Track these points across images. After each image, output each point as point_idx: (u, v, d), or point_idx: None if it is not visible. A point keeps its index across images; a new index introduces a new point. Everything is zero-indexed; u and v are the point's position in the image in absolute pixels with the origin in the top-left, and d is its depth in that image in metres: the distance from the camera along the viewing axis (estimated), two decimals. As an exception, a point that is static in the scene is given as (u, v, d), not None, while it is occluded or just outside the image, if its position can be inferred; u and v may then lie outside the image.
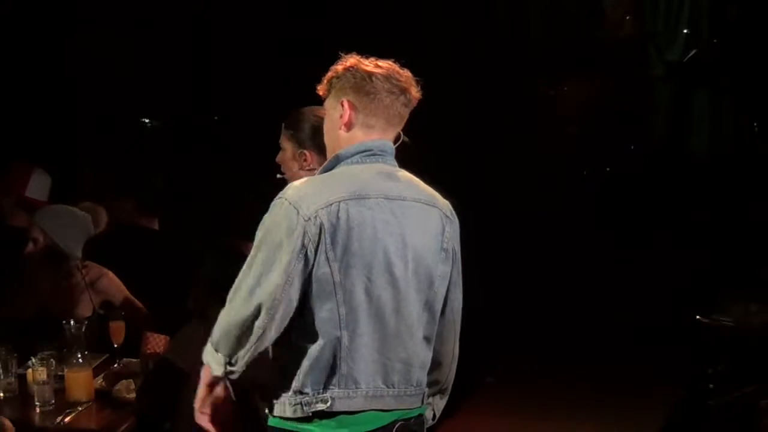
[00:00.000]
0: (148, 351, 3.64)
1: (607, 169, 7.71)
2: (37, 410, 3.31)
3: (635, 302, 6.37)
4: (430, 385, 2.56)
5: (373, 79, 2.41)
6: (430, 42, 7.13)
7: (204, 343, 3.02)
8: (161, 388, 3.21)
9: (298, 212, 2.28)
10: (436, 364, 2.56)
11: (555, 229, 6.88)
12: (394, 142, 2.51)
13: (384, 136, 2.46)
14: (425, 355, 2.49)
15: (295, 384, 2.34)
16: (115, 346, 3.73)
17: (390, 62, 2.48)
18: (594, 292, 6.43)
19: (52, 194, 4.75)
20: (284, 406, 2.37)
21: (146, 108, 7.88)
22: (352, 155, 2.42)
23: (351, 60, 2.46)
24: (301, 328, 2.33)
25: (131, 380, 3.43)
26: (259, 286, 2.29)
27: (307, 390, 2.33)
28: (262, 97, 6.70)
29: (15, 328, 3.81)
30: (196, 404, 2.47)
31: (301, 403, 2.34)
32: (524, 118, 7.45)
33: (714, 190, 6.99)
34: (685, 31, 7.58)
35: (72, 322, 3.58)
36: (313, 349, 2.32)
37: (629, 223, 7.03)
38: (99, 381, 3.49)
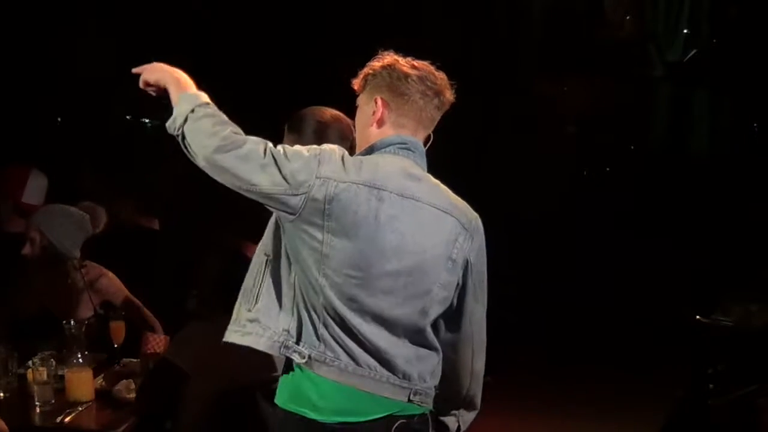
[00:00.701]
0: (148, 351, 3.64)
1: (607, 169, 7.72)
2: (37, 410, 3.31)
3: (635, 302, 6.36)
4: (450, 396, 2.58)
5: (409, 80, 2.42)
6: (429, 42, 7.13)
7: (204, 343, 3.02)
8: (161, 388, 3.20)
9: (318, 166, 2.29)
10: (453, 375, 2.56)
11: (555, 229, 6.89)
12: (425, 144, 2.51)
13: (414, 136, 2.47)
14: (409, 352, 2.45)
15: (283, 321, 2.36)
16: (115, 346, 3.73)
17: (427, 63, 2.49)
18: (594, 291, 6.43)
19: (52, 194, 4.75)
20: (261, 339, 2.36)
21: (147, 108, 7.89)
22: (387, 146, 2.43)
23: (388, 58, 2.46)
24: (288, 283, 2.36)
25: (131, 380, 3.43)
26: (279, 155, 2.29)
27: (293, 335, 2.35)
28: (262, 97, 6.71)
29: (15, 328, 3.81)
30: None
31: (282, 342, 2.35)
32: (524, 118, 7.45)
33: (714, 190, 6.99)
34: (685, 31, 7.58)
35: (72, 322, 3.58)
36: (297, 308, 2.35)
37: (629, 223, 7.03)
38: (99, 381, 3.49)
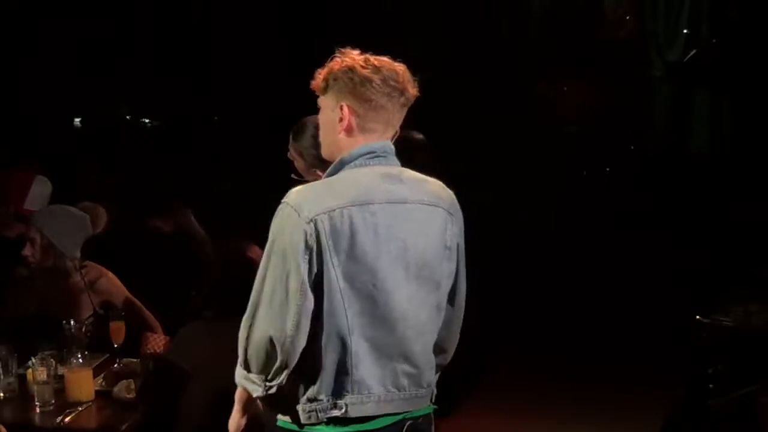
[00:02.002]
0: (148, 351, 3.64)
1: (607, 169, 7.72)
2: (37, 410, 3.31)
3: (635, 302, 6.36)
4: (436, 356, 2.59)
5: (373, 84, 2.40)
6: (429, 42, 7.13)
7: (204, 343, 3.03)
8: (161, 388, 3.21)
9: (299, 215, 2.29)
10: (441, 350, 2.58)
11: (554, 229, 6.88)
12: (392, 138, 2.51)
13: (384, 138, 2.47)
14: (433, 356, 2.51)
15: (309, 392, 2.35)
16: (115, 346, 3.73)
17: (387, 60, 2.47)
18: (593, 291, 6.43)
19: (53, 194, 4.75)
20: (297, 413, 2.37)
21: (147, 108, 7.90)
22: (356, 158, 2.42)
23: (348, 60, 2.43)
24: (311, 335, 2.32)
25: (131, 380, 3.43)
26: (277, 295, 2.30)
27: (322, 397, 2.34)
28: (262, 97, 6.70)
29: (15, 328, 3.81)
30: (232, 429, 2.50)
31: (315, 410, 2.35)
32: (524, 118, 7.45)
33: (714, 190, 6.99)
34: (685, 31, 7.58)
35: (72, 322, 3.59)
36: (324, 356, 2.33)
37: (629, 223, 7.02)
38: (99, 381, 3.49)
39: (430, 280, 2.43)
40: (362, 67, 2.41)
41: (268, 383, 2.35)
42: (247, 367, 2.38)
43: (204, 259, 4.31)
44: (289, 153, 3.27)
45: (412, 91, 2.47)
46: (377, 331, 2.35)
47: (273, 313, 2.30)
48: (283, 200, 2.36)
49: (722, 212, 6.73)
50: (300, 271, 2.27)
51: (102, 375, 3.55)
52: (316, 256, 2.28)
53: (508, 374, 5.89)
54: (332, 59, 2.46)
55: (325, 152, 2.53)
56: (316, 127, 2.97)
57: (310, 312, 2.30)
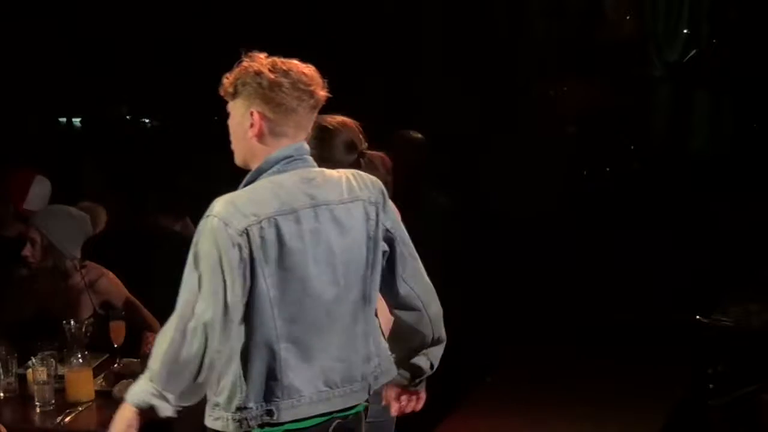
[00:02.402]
0: (148, 351, 3.63)
1: (607, 169, 7.71)
2: (37, 410, 3.31)
3: (635, 302, 6.36)
4: (418, 345, 2.65)
5: (282, 89, 2.38)
6: (429, 42, 7.14)
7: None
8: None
9: (227, 228, 2.29)
10: (414, 329, 2.63)
11: (555, 229, 6.88)
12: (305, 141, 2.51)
13: (296, 141, 2.45)
14: (366, 348, 2.51)
15: (238, 401, 2.35)
16: (115, 346, 3.73)
17: (295, 62, 2.45)
18: (594, 292, 6.43)
19: (54, 194, 4.75)
20: (227, 422, 2.37)
21: (147, 108, 7.90)
22: (273, 165, 2.42)
23: (255, 65, 2.41)
24: (241, 344, 2.34)
25: (131, 380, 3.42)
26: (207, 310, 2.29)
27: (251, 405, 2.34)
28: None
29: (15, 328, 3.81)
30: None
31: (246, 418, 2.35)
32: (524, 118, 7.45)
33: (714, 189, 6.99)
34: (685, 31, 7.58)
35: (72, 322, 3.58)
36: (253, 365, 2.34)
37: (629, 223, 7.02)
38: (99, 381, 3.49)
39: (357, 275, 2.46)
40: (270, 71, 2.39)
41: (181, 402, 2.36)
42: (160, 384, 2.36)
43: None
44: None
45: (322, 93, 2.45)
46: (306, 335, 2.37)
47: (203, 327, 2.30)
48: (207, 213, 2.34)
49: (722, 212, 6.72)
50: (235, 284, 2.27)
51: (102, 375, 3.55)
52: (249, 268, 2.29)
53: (508, 374, 5.89)
54: (239, 64, 2.44)
55: (238, 159, 2.51)
56: (322, 128, 2.98)
57: (240, 324, 2.31)
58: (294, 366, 2.36)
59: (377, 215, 2.51)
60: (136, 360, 3.67)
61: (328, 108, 2.60)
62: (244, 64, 2.43)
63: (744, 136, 7.34)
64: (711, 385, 4.74)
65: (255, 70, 2.40)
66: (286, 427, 2.38)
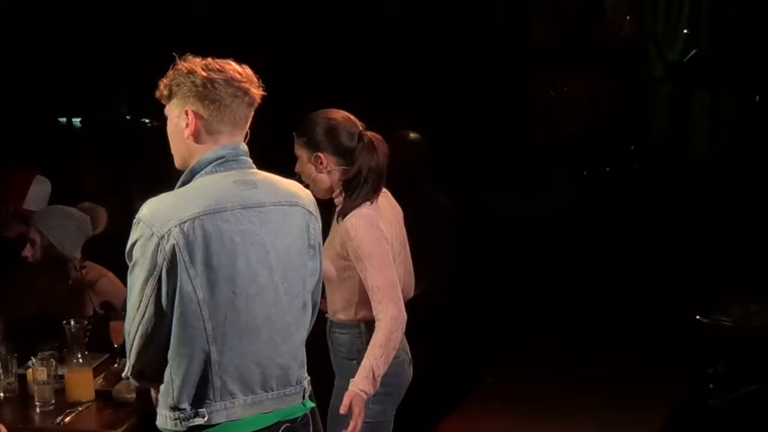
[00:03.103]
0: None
1: (607, 169, 7.71)
2: (37, 410, 3.32)
3: (635, 302, 6.36)
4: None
5: (216, 85, 2.39)
6: (429, 42, 7.13)
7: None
8: (161, 388, 3.20)
9: (151, 230, 2.30)
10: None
11: (555, 229, 6.88)
12: (244, 140, 2.50)
13: (233, 140, 2.44)
14: (298, 352, 2.52)
15: (172, 400, 2.37)
16: (115, 346, 3.73)
17: (229, 62, 2.46)
18: (594, 291, 6.43)
19: (55, 194, 4.75)
20: (166, 419, 2.41)
21: (147, 108, 7.89)
22: (206, 165, 2.41)
23: (187, 65, 2.42)
24: (173, 345, 2.34)
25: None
26: (135, 312, 2.34)
27: (184, 406, 2.36)
28: (262, 97, 6.69)
29: (15, 328, 3.81)
30: None
31: (180, 418, 2.37)
32: (524, 118, 7.44)
33: (714, 189, 6.99)
34: (685, 31, 7.58)
35: (72, 322, 3.58)
36: (185, 367, 2.34)
37: (629, 223, 7.02)
38: (99, 381, 3.49)
39: (295, 280, 2.45)
40: (203, 69, 2.40)
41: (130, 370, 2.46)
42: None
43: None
44: (296, 149, 3.28)
45: (257, 91, 2.45)
46: (241, 338, 2.36)
47: (133, 328, 2.35)
48: (136, 216, 2.36)
49: (722, 212, 6.72)
50: (147, 286, 2.30)
51: (102, 375, 3.55)
52: (171, 270, 2.28)
53: (508, 374, 5.89)
54: (173, 67, 2.45)
55: (178, 163, 2.51)
56: (329, 121, 3.02)
57: (166, 326, 2.32)
58: (228, 369, 2.35)
59: (316, 226, 2.52)
60: (136, 360, 3.66)
61: (331, 106, 2.60)
62: (178, 65, 2.43)
63: (744, 136, 7.34)
64: (711, 385, 4.74)
65: (188, 69, 2.41)
66: (223, 428, 2.37)
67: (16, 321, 3.89)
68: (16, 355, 3.50)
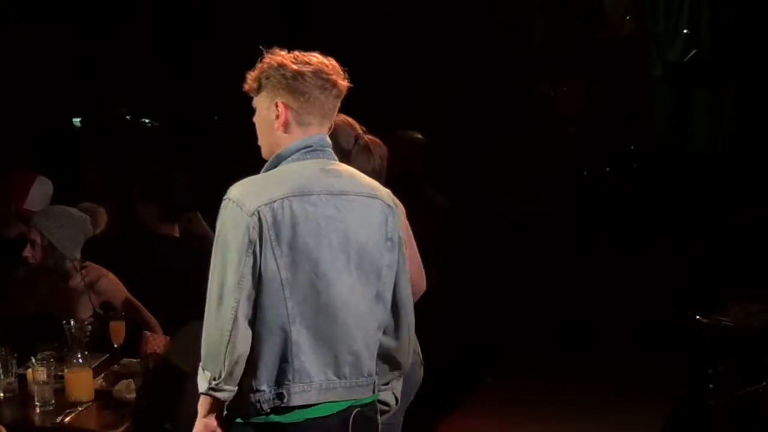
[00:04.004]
0: (148, 351, 3.64)
1: (607, 169, 7.71)
2: (37, 410, 3.31)
3: (635, 302, 6.36)
4: (390, 371, 2.62)
5: (305, 77, 2.44)
6: (429, 42, 7.13)
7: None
8: (161, 388, 3.21)
9: (241, 209, 2.34)
10: (393, 351, 2.61)
11: (555, 229, 6.89)
12: (328, 132, 2.55)
13: (321, 131, 2.50)
14: (376, 345, 2.54)
15: (252, 383, 2.38)
16: (115, 346, 3.74)
17: (316, 55, 2.50)
18: (594, 291, 6.43)
19: (55, 195, 4.75)
20: (240, 405, 2.41)
21: (147, 108, 7.90)
22: (293, 153, 2.46)
23: (277, 58, 2.47)
24: (252, 327, 2.36)
25: (131, 380, 3.43)
26: (222, 292, 2.34)
27: (263, 387, 2.38)
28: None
29: (15, 328, 3.81)
30: None
31: (258, 401, 2.38)
32: (524, 118, 7.45)
33: (714, 189, 6.99)
34: (685, 31, 7.58)
35: (72, 322, 3.58)
36: (265, 347, 2.37)
37: (629, 223, 7.02)
38: (99, 381, 3.49)
39: (370, 270, 2.48)
40: (293, 62, 2.45)
41: (214, 381, 2.37)
42: (204, 365, 2.41)
43: (205, 259, 4.30)
44: None
45: (343, 83, 2.50)
46: (319, 320, 2.39)
47: (219, 309, 2.35)
48: (225, 197, 2.40)
49: (722, 212, 6.73)
50: (241, 265, 2.32)
51: (102, 375, 3.55)
52: (258, 248, 2.32)
53: (508, 374, 5.89)
54: (261, 60, 2.49)
55: (265, 152, 2.55)
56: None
57: (251, 305, 2.34)
58: (305, 350, 2.38)
59: (394, 221, 2.54)
60: (136, 360, 3.67)
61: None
62: (265, 59, 2.48)
63: (744, 136, 7.34)
64: (711, 385, 4.74)
65: (277, 62, 2.45)
66: (299, 413, 2.39)
67: (16, 321, 3.89)
68: (16, 355, 3.50)
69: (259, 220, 2.32)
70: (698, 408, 4.76)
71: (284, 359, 2.37)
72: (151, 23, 7.44)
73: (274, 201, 2.34)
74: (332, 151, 2.53)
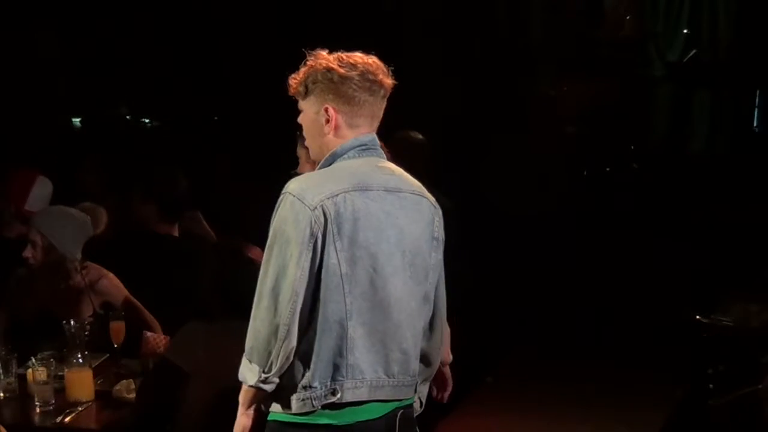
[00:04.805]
0: (148, 351, 3.64)
1: (607, 169, 7.72)
2: (37, 410, 3.31)
3: (635, 302, 6.36)
4: (419, 374, 2.60)
5: (354, 81, 2.43)
6: (429, 42, 7.14)
7: (204, 343, 3.03)
8: (161, 388, 3.21)
9: (303, 203, 2.33)
10: (426, 355, 2.60)
11: (555, 229, 6.89)
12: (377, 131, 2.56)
13: (371, 131, 2.51)
14: (421, 345, 2.54)
15: (304, 379, 2.36)
16: (115, 346, 3.73)
17: (359, 55, 2.49)
18: (594, 291, 6.43)
19: (56, 195, 4.75)
20: (290, 402, 2.38)
21: (147, 108, 7.90)
22: (348, 150, 2.47)
23: (323, 61, 2.45)
24: (308, 321, 2.35)
25: (131, 380, 3.43)
26: (279, 285, 2.32)
27: (315, 384, 2.36)
28: (263, 97, 6.70)
29: (15, 328, 3.81)
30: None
31: (310, 398, 2.36)
32: (524, 118, 7.45)
33: (714, 190, 6.99)
34: (685, 31, 7.59)
35: (72, 322, 3.58)
36: (322, 342, 2.35)
37: (629, 223, 7.02)
38: (99, 381, 3.49)
39: (421, 268, 2.48)
40: (339, 66, 2.44)
41: (264, 374, 2.35)
42: (250, 357, 2.39)
43: (205, 259, 4.30)
44: (297, 150, 3.28)
45: (388, 81, 2.50)
46: (374, 315, 2.38)
47: (274, 302, 2.32)
48: (283, 191, 2.39)
49: (722, 212, 6.73)
50: (302, 259, 2.30)
51: (102, 375, 3.55)
52: (321, 242, 2.32)
53: (508, 374, 5.89)
54: (305, 63, 2.48)
55: (315, 155, 2.55)
56: None
57: (309, 299, 2.33)
58: (360, 346, 2.37)
59: (440, 221, 2.55)
60: (136, 360, 3.67)
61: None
62: (310, 62, 2.47)
63: (744, 136, 7.34)
64: (711, 385, 4.74)
65: (324, 66, 2.44)
66: (349, 412, 2.38)
67: (16, 321, 3.89)
68: (16, 355, 3.50)
69: (323, 213, 2.31)
70: (698, 408, 4.76)
71: (340, 354, 2.35)
72: (152, 23, 7.44)
73: (337, 195, 2.34)
74: (382, 150, 2.54)
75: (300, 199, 2.33)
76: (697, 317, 4.89)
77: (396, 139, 5.14)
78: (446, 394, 3.30)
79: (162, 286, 4.11)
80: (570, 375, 5.72)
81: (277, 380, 2.36)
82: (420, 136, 5.36)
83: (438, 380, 3.17)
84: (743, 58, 7.21)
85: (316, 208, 2.31)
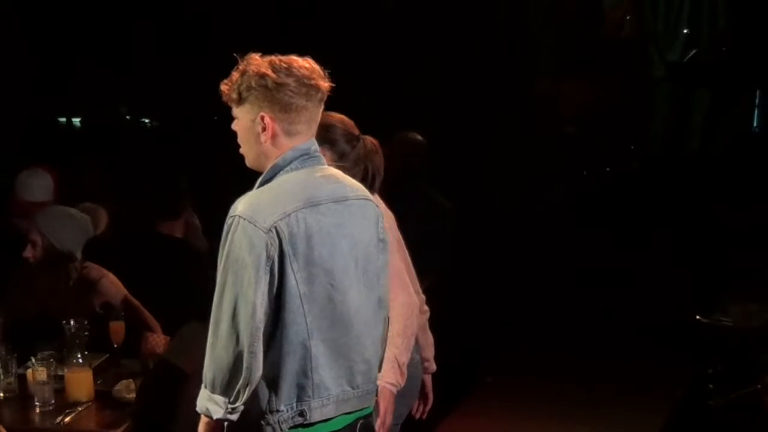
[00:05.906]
0: (148, 351, 3.64)
1: (607, 169, 7.72)
2: (37, 410, 3.31)
3: (635, 302, 6.36)
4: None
5: (289, 87, 2.34)
6: (429, 42, 7.13)
7: (204, 343, 3.02)
8: (161, 388, 3.20)
9: (255, 226, 2.26)
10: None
11: (555, 229, 6.89)
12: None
13: (310, 136, 2.43)
14: (383, 351, 2.53)
15: (270, 404, 2.32)
16: (115, 346, 3.73)
17: (294, 58, 2.40)
18: (594, 291, 6.43)
19: (54, 194, 4.75)
20: (257, 428, 2.33)
21: (147, 108, 7.90)
22: (290, 162, 2.39)
23: (255, 68, 2.36)
24: (270, 344, 2.30)
25: (131, 380, 3.43)
26: (239, 312, 2.26)
27: (282, 408, 2.31)
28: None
29: (15, 328, 3.81)
30: None
31: (277, 422, 2.32)
32: (524, 118, 7.45)
33: (714, 190, 6.99)
34: (685, 31, 7.59)
35: (72, 322, 3.58)
36: (285, 365, 2.30)
37: (629, 223, 7.03)
38: (99, 381, 3.49)
39: (373, 273, 2.46)
40: (274, 71, 2.34)
41: (230, 405, 2.29)
42: (211, 388, 2.32)
43: (205, 259, 4.31)
44: None
45: (325, 84, 2.41)
46: (335, 330, 2.35)
47: (234, 329, 2.26)
48: (230, 214, 2.31)
49: (722, 212, 6.73)
50: (261, 283, 2.24)
51: (101, 375, 3.55)
52: (277, 264, 2.26)
53: (508, 374, 5.89)
54: (237, 68, 2.39)
55: (250, 162, 2.46)
56: (323, 123, 3.00)
57: (269, 323, 2.28)
58: (323, 364, 2.33)
59: (382, 222, 2.53)
60: (136, 360, 3.67)
61: (328, 108, 2.60)
62: (242, 67, 2.38)
63: (744, 136, 7.34)
64: (711, 385, 4.75)
65: (257, 72, 2.34)
66: (317, 428, 2.35)
67: (16, 321, 3.89)
68: (16, 355, 3.50)
69: (277, 234, 2.25)
70: (698, 408, 4.76)
71: (304, 375, 2.31)
72: (152, 23, 7.44)
73: (289, 214, 2.28)
74: (322, 156, 2.48)
75: (252, 222, 2.26)
76: (697, 317, 4.89)
77: (396, 140, 5.15)
78: (427, 409, 3.27)
79: (162, 286, 4.11)
80: (570, 375, 5.72)
81: (242, 407, 2.30)
82: (419, 137, 5.36)
83: (421, 393, 3.18)
84: (743, 59, 7.20)
85: (270, 230, 2.25)
